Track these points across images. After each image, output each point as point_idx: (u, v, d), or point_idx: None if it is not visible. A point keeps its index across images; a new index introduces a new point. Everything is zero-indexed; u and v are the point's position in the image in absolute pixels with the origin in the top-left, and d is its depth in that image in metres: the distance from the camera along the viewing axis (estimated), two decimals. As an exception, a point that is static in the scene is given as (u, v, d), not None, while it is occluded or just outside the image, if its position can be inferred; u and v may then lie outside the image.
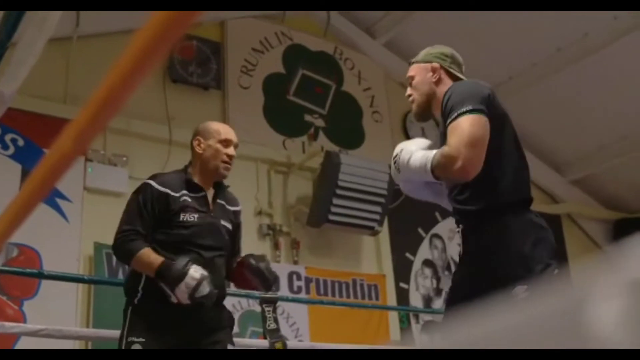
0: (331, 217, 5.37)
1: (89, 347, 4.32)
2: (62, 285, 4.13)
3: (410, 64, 2.43)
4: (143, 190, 2.58)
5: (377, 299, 5.82)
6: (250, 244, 5.48)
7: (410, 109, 7.55)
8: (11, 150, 4.63)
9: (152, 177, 2.64)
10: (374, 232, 5.74)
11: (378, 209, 5.63)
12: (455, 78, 2.34)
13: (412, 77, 2.37)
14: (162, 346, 2.43)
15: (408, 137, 6.75)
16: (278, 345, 3.72)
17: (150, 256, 2.48)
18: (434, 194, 2.34)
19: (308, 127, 6.19)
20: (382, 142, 6.35)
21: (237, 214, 2.80)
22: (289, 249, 5.64)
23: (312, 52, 6.50)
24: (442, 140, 2.12)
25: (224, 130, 2.74)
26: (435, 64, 2.34)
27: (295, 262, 5.61)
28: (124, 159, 5.02)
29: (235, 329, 5.01)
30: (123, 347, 2.47)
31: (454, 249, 6.29)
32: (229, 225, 2.72)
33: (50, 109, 4.80)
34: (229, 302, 5.04)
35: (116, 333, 2.60)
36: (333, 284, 5.65)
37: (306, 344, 4.38)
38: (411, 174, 2.13)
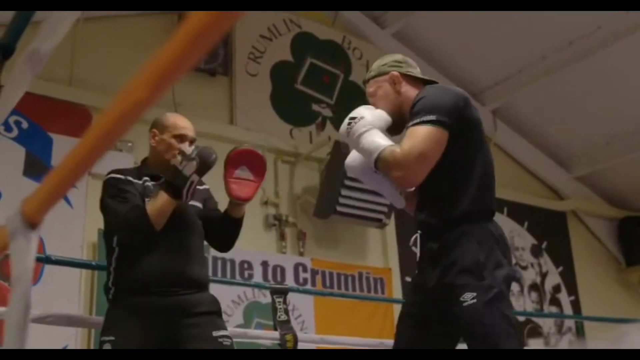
0: (339, 209, 5.27)
1: (92, 335, 4.23)
2: (65, 272, 4.03)
3: (366, 81, 2.36)
4: (108, 184, 2.45)
5: (382, 292, 5.74)
6: (256, 234, 5.39)
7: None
8: (15, 132, 4.51)
9: (110, 173, 2.50)
10: (381, 225, 5.65)
11: (386, 201, 5.53)
12: (416, 80, 2.30)
13: (374, 93, 2.31)
14: (130, 343, 2.28)
15: (415, 129, 6.66)
16: (288, 338, 3.62)
17: (153, 199, 2.38)
18: (377, 183, 2.31)
19: (315, 117, 6.09)
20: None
21: (206, 191, 2.68)
22: (295, 240, 5.55)
23: (320, 41, 6.39)
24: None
25: (181, 125, 2.55)
26: (394, 73, 2.28)
27: (301, 254, 5.51)
28: (130, 144, 4.90)
29: (240, 320, 4.95)
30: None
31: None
32: (199, 204, 2.59)
33: (55, 92, 4.69)
34: (234, 293, 4.98)
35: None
36: (339, 276, 5.56)
37: (313, 336, 4.29)
38: (356, 147, 2.14)
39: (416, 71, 2.34)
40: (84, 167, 0.88)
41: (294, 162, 5.78)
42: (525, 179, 7.55)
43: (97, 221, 4.61)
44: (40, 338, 2.16)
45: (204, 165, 2.37)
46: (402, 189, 2.16)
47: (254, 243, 5.27)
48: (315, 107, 6.11)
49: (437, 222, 2.13)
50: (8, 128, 4.47)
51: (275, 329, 3.61)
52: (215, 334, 2.42)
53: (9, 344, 0.93)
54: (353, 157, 2.31)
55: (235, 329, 3.70)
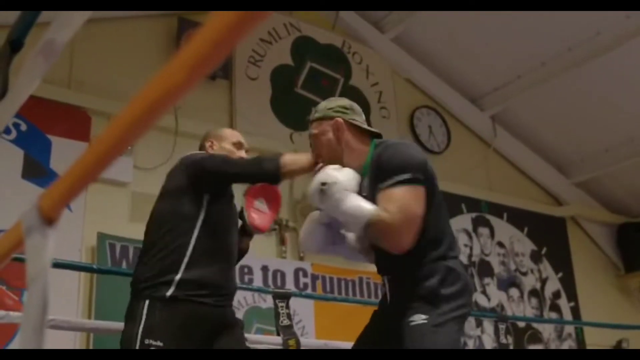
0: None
1: (90, 340, 4.17)
2: (64, 276, 3.97)
3: (310, 121, 2.36)
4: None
5: (383, 298, 5.69)
6: (256, 239, 5.26)
7: (417, 106, 7.42)
8: (13, 134, 4.46)
9: None
10: (382, 230, 5.60)
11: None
12: (359, 129, 2.29)
13: (317, 136, 2.31)
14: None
15: (415, 134, 6.64)
16: (291, 343, 3.58)
17: (297, 154, 2.46)
18: (335, 252, 2.38)
19: (315, 121, 6.04)
20: (389, 138, 6.21)
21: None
22: (295, 245, 5.50)
23: (320, 45, 6.36)
24: (371, 187, 2.11)
25: (237, 135, 2.75)
26: (339, 120, 2.27)
27: (302, 259, 5.47)
28: (129, 147, 4.84)
29: (240, 326, 4.91)
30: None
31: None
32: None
33: (54, 94, 4.64)
34: (234, 298, 4.92)
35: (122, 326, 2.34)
36: (339, 281, 5.52)
37: (316, 341, 4.24)
38: (335, 212, 2.08)
39: (361, 119, 2.32)
40: (112, 154, 0.84)
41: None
42: (525, 184, 7.52)
43: (97, 225, 4.59)
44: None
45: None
46: (396, 253, 2.11)
47: (253, 248, 5.16)
48: (315, 111, 6.07)
49: (405, 270, 2.14)
50: (6, 130, 4.42)
51: (278, 334, 3.56)
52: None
53: (25, 346, 0.89)
54: (309, 232, 2.36)
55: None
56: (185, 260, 2.30)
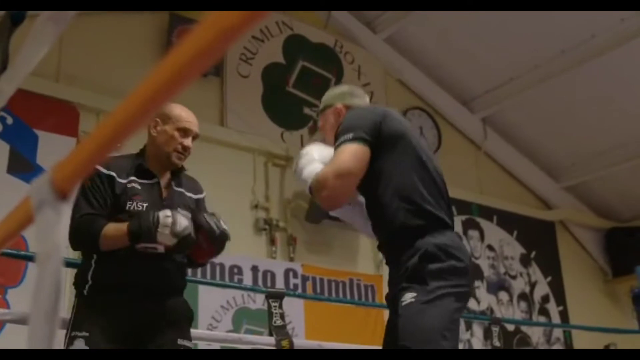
0: (332, 214, 5.13)
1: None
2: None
3: (317, 115, 2.46)
4: (91, 175, 2.32)
5: (373, 299, 5.63)
6: (246, 238, 5.26)
7: (408, 107, 7.38)
8: (-1, 128, 4.34)
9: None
10: (374, 231, 5.53)
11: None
12: None
13: (322, 126, 2.39)
14: (107, 341, 2.20)
15: (406, 135, 6.57)
16: (284, 344, 3.50)
17: (116, 227, 2.26)
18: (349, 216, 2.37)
19: (307, 120, 5.98)
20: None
21: (199, 201, 2.54)
22: (285, 245, 5.42)
23: (312, 44, 6.29)
24: None
25: (186, 118, 2.46)
26: (338, 105, 2.34)
27: (292, 259, 5.38)
28: (118, 145, 4.74)
29: (229, 326, 4.81)
30: (65, 343, 2.24)
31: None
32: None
33: (42, 87, 4.52)
34: (223, 297, 4.83)
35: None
36: (330, 282, 5.44)
37: (310, 342, 4.16)
38: (299, 181, 2.17)
39: (362, 101, 2.36)
40: (134, 124, 0.76)
41: (285, 165, 5.66)
42: (514, 188, 7.50)
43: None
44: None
45: (175, 251, 2.28)
46: (327, 209, 2.18)
47: (243, 247, 5.14)
48: (306, 110, 6.01)
49: (383, 239, 2.17)
50: (-8, 123, 4.30)
51: (271, 335, 3.48)
52: (180, 342, 2.36)
53: (36, 338, 0.80)
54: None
55: (231, 334, 3.57)
56: (93, 260, 2.32)
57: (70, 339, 2.21)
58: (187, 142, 2.44)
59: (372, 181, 2.09)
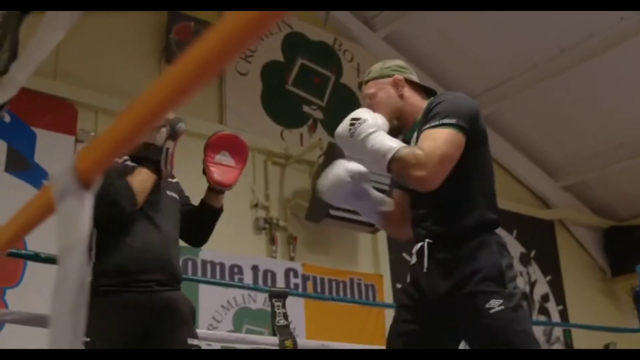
0: (333, 212, 5.10)
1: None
2: (48, 273, 3.79)
3: (364, 82, 2.31)
4: None
5: (374, 299, 5.59)
6: (246, 238, 5.21)
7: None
8: (-3, 126, 4.28)
9: None
10: (374, 230, 5.50)
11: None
12: (418, 86, 2.28)
13: (374, 94, 2.24)
14: (110, 346, 2.10)
15: (405, 134, 6.53)
16: (288, 344, 3.46)
17: (134, 175, 2.25)
18: (356, 198, 2.23)
19: (306, 119, 5.94)
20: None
21: (177, 184, 2.54)
22: (285, 244, 5.38)
23: (311, 42, 6.25)
24: (417, 137, 2.08)
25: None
26: (398, 77, 2.24)
27: (292, 259, 5.34)
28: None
29: (230, 326, 4.76)
30: None
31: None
32: (176, 196, 2.47)
33: (39, 85, 4.46)
34: (223, 297, 4.79)
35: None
36: (330, 282, 5.40)
37: (313, 342, 4.12)
38: (361, 149, 2.02)
39: (416, 79, 2.30)
40: (161, 112, 0.72)
41: (285, 164, 5.62)
42: (513, 186, 7.48)
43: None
44: (23, 341, 1.97)
45: (175, 131, 2.25)
46: (420, 188, 2.03)
47: (243, 247, 5.10)
48: (306, 108, 5.97)
49: (451, 231, 2.06)
50: (-11, 121, 4.24)
51: (274, 334, 3.44)
52: (189, 342, 2.30)
53: (60, 337, 0.75)
54: (335, 182, 2.19)
55: (234, 334, 3.53)
56: (93, 251, 2.22)
57: None
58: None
59: (456, 170, 2.00)
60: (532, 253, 7.17)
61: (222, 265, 4.88)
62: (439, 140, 1.96)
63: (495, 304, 1.91)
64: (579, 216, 7.76)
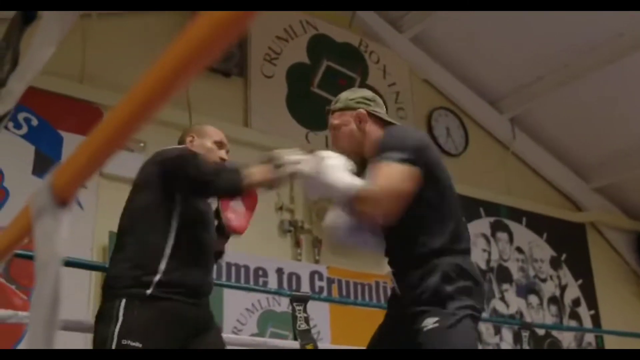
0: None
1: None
2: (75, 275, 3.84)
3: (330, 111, 2.33)
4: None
5: (400, 302, 5.54)
6: (271, 240, 5.21)
7: (435, 107, 7.29)
8: (24, 130, 4.34)
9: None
10: (399, 232, 5.45)
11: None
12: (381, 121, 2.30)
13: (338, 126, 2.28)
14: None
15: (432, 135, 6.48)
16: (309, 348, 3.44)
17: (257, 168, 2.19)
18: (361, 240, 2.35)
19: (332, 121, 5.91)
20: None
21: None
22: (310, 247, 5.36)
23: (337, 43, 6.23)
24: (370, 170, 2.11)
25: (219, 134, 2.62)
26: (361, 111, 2.26)
27: (317, 261, 5.32)
28: (142, 144, 4.72)
29: (254, 329, 4.76)
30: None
31: (476, 255, 6.03)
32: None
33: (66, 88, 4.53)
34: (248, 300, 4.79)
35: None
36: (356, 285, 5.37)
37: (335, 347, 4.10)
38: (326, 189, 2.03)
39: (382, 111, 2.32)
40: (130, 127, 0.72)
41: (310, 167, 5.60)
42: (544, 189, 7.36)
43: (108, 223, 4.45)
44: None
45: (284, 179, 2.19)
46: (370, 225, 2.16)
47: (268, 249, 5.10)
48: (331, 111, 5.94)
49: (407, 261, 2.14)
50: (17, 125, 4.31)
51: (295, 339, 3.43)
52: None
53: (34, 345, 0.76)
54: (335, 219, 2.30)
55: (254, 338, 3.53)
56: (164, 258, 2.20)
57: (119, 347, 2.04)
58: (224, 154, 2.57)
59: (412, 203, 2.05)
60: (563, 256, 7.05)
61: (246, 267, 4.88)
62: (392, 176, 2.01)
63: (429, 322, 1.97)
64: (611, 218, 7.60)
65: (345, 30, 6.33)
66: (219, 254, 2.59)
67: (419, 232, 2.10)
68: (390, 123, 2.29)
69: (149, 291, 2.13)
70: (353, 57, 6.28)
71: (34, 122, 4.38)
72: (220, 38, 0.59)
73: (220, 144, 2.56)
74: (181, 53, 0.63)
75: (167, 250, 2.22)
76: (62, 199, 0.78)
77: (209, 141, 2.54)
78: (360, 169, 2.16)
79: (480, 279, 2.13)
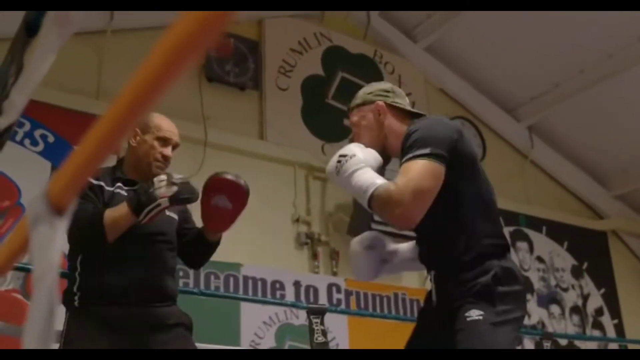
0: (375, 227, 5.03)
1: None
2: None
3: (350, 109, 2.25)
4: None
5: (419, 314, 5.49)
6: (288, 253, 5.20)
7: (451, 117, 7.26)
8: (41, 146, 4.37)
9: None
10: (417, 243, 5.41)
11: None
12: (402, 111, 2.19)
13: (357, 123, 2.19)
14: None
15: (449, 145, 6.43)
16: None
17: (115, 208, 2.19)
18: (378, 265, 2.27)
19: (347, 133, 5.89)
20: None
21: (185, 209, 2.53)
22: (327, 259, 5.33)
23: (351, 55, 6.23)
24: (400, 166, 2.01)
25: (166, 127, 2.41)
26: (380, 103, 2.16)
27: (335, 274, 5.29)
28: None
29: (272, 343, 4.74)
30: None
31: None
32: (175, 216, 2.44)
33: (82, 105, 4.55)
34: (265, 314, 4.77)
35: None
36: (374, 297, 5.32)
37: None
38: (347, 186, 1.97)
39: (404, 102, 2.21)
40: (117, 134, 0.71)
41: (326, 178, 5.58)
42: (563, 197, 7.28)
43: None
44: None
45: (180, 198, 2.18)
46: (400, 229, 2.08)
47: (285, 262, 5.08)
48: (347, 122, 5.92)
49: (451, 263, 2.01)
50: (34, 142, 4.34)
51: (313, 352, 3.39)
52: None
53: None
54: (358, 262, 2.26)
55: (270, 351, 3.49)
56: (78, 270, 2.25)
57: None
58: (167, 151, 2.39)
59: (447, 201, 1.95)
60: (585, 265, 6.95)
61: (263, 281, 4.86)
62: (412, 173, 1.89)
63: (474, 314, 1.88)
64: (633, 226, 7.48)
65: (359, 41, 6.32)
66: (212, 244, 2.48)
67: (461, 232, 1.99)
68: (416, 114, 2.19)
69: (75, 304, 2.22)
70: (368, 67, 6.27)
71: (51, 138, 4.41)
72: (200, 40, 0.58)
73: (164, 141, 2.38)
74: (162, 57, 0.62)
75: (79, 265, 2.26)
76: (58, 207, 0.77)
77: (151, 137, 2.37)
78: (385, 166, 2.10)
79: (524, 283, 2.04)
